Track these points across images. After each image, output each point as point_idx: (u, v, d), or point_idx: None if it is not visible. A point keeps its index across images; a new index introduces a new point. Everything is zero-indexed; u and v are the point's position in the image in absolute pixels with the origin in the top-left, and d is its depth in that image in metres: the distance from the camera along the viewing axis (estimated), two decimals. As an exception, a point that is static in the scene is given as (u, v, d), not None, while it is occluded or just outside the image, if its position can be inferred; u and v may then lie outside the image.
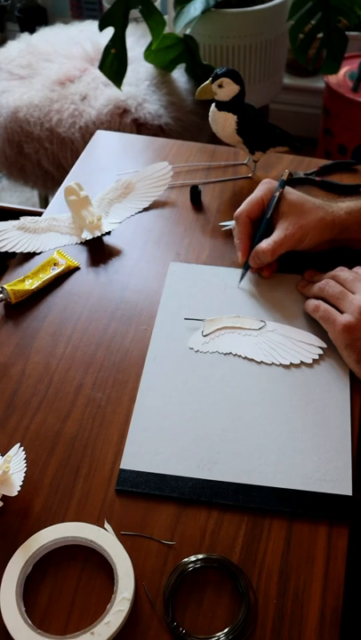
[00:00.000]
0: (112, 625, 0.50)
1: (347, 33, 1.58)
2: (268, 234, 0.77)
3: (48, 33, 1.87)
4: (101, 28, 1.49)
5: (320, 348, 0.70)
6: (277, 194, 0.77)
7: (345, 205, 0.77)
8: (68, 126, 1.55)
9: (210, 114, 0.90)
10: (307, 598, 0.53)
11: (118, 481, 0.60)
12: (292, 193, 0.78)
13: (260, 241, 0.77)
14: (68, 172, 0.98)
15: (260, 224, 0.78)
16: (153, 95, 1.59)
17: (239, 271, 0.80)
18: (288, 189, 0.78)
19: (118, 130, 1.51)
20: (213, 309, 0.75)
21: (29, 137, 1.59)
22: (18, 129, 1.58)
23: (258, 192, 0.79)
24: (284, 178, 0.78)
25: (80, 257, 0.84)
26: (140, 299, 0.78)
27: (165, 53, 1.63)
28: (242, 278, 0.78)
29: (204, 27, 1.69)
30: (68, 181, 0.91)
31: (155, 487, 0.59)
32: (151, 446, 0.62)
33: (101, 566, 0.55)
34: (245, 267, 0.78)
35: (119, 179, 0.93)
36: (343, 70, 1.93)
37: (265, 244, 0.75)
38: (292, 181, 0.92)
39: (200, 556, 0.55)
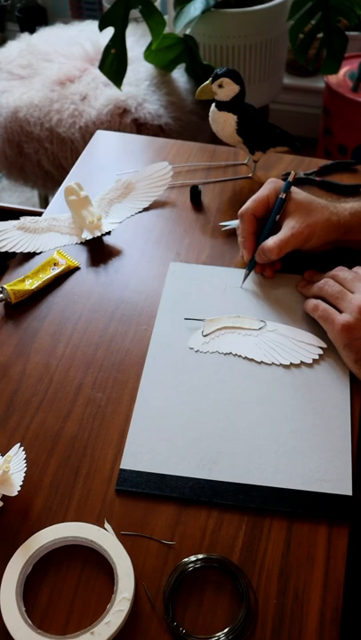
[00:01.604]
0: (112, 625, 0.50)
1: (347, 33, 1.58)
2: (273, 233, 0.77)
3: (48, 33, 1.87)
4: (101, 28, 1.49)
5: (320, 347, 0.70)
6: (284, 196, 0.77)
7: (349, 206, 0.77)
8: (68, 126, 1.55)
9: (210, 114, 0.90)
10: (307, 598, 0.53)
11: (118, 481, 0.60)
12: (298, 193, 0.78)
13: (265, 240, 0.77)
14: (68, 172, 0.98)
15: (265, 223, 0.78)
16: (153, 95, 1.59)
17: (239, 271, 0.80)
18: (294, 189, 0.78)
19: (118, 130, 1.52)
20: (213, 309, 0.75)
21: (29, 137, 1.59)
22: (18, 129, 1.58)
23: (264, 191, 0.79)
24: (290, 179, 0.78)
25: (80, 257, 0.84)
26: (140, 299, 0.78)
27: (165, 53, 1.63)
28: (245, 278, 0.78)
29: (204, 27, 1.69)
30: (68, 181, 0.91)
31: (155, 487, 0.59)
32: (151, 446, 0.62)
33: (101, 566, 0.55)
34: (249, 266, 0.78)
35: (119, 179, 0.93)
36: (343, 70, 1.93)
37: (271, 241, 0.75)
38: (293, 181, 0.92)
39: (200, 556, 0.55)
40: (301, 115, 2.33)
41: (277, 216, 0.77)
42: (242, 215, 0.79)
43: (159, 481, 0.60)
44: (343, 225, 0.76)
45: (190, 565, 0.54)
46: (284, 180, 0.78)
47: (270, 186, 0.79)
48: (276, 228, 0.77)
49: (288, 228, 0.75)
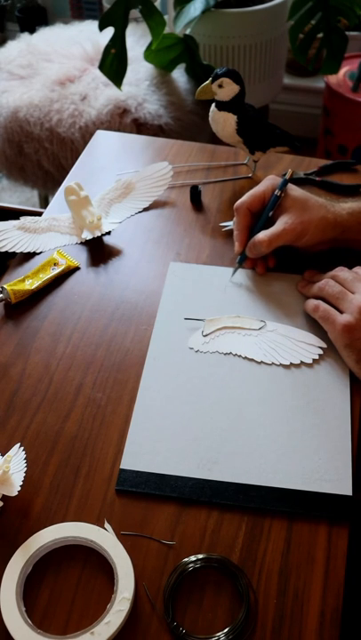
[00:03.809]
0: (112, 625, 0.50)
1: (347, 33, 1.58)
2: (266, 228, 0.77)
3: (48, 33, 1.87)
4: (101, 28, 1.49)
5: (320, 347, 0.70)
6: (279, 193, 0.77)
7: (347, 206, 0.77)
8: (68, 126, 1.55)
9: (210, 114, 0.90)
10: (307, 598, 0.53)
11: (118, 481, 0.60)
12: (295, 190, 0.78)
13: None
14: (68, 172, 0.98)
15: (260, 219, 0.79)
16: (153, 95, 1.59)
17: (239, 271, 0.80)
18: (291, 186, 0.78)
19: (118, 130, 1.51)
20: (213, 309, 0.75)
21: (29, 137, 1.59)
22: (18, 129, 1.58)
23: (261, 186, 0.79)
24: (287, 177, 0.78)
25: (80, 257, 0.84)
26: (140, 299, 0.78)
27: (165, 53, 1.63)
28: (235, 271, 0.79)
29: (204, 27, 1.69)
30: (68, 181, 0.91)
31: (155, 487, 0.59)
32: (151, 446, 0.62)
33: (101, 566, 0.55)
34: (239, 259, 0.79)
35: (119, 179, 0.93)
36: (343, 70, 1.93)
37: (262, 234, 0.76)
38: (292, 181, 0.92)
39: (200, 556, 0.55)
40: (301, 115, 2.33)
41: (271, 212, 0.77)
42: (237, 209, 0.79)
43: (159, 481, 0.60)
44: (340, 223, 0.76)
45: (190, 565, 0.54)
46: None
47: (268, 182, 0.79)
48: (269, 225, 0.77)
49: (281, 222, 0.76)
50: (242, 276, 0.79)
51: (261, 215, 0.79)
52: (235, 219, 0.80)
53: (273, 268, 0.80)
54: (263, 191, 0.78)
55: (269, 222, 0.78)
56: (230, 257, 0.83)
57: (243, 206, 0.79)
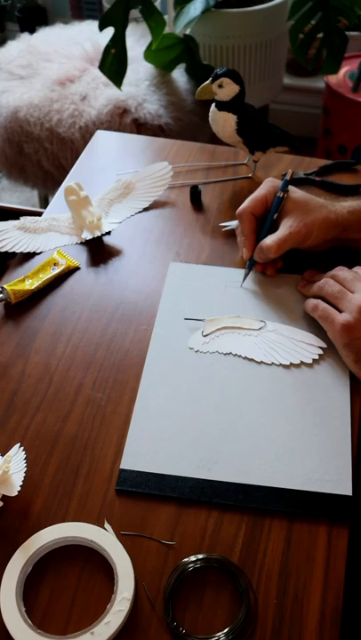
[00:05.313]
0: (112, 625, 0.50)
1: (347, 33, 1.58)
2: (271, 232, 0.77)
3: (48, 33, 1.87)
4: (101, 28, 1.49)
5: (320, 348, 0.70)
6: (282, 194, 0.77)
7: (347, 205, 0.77)
8: (68, 126, 1.55)
9: (210, 114, 0.90)
10: (307, 598, 0.53)
11: (118, 481, 0.60)
12: (295, 191, 0.78)
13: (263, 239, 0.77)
14: (68, 172, 0.98)
15: (263, 222, 0.78)
16: (153, 95, 1.59)
17: (239, 271, 0.80)
18: (292, 188, 0.78)
19: (118, 130, 1.52)
20: (213, 309, 0.75)
21: (29, 137, 1.59)
22: (18, 129, 1.58)
23: (261, 190, 0.79)
24: (288, 177, 0.78)
25: (80, 257, 0.84)
26: (140, 299, 0.78)
27: (165, 53, 1.63)
28: (245, 277, 0.78)
29: (204, 27, 1.69)
30: (68, 181, 0.91)
31: (155, 487, 0.59)
32: (151, 446, 0.62)
33: (101, 566, 0.55)
34: (249, 265, 0.79)
35: (119, 179, 0.93)
36: (343, 70, 1.93)
37: (270, 239, 0.76)
38: (292, 181, 0.92)
39: (200, 556, 0.55)
40: (301, 115, 2.33)
41: (275, 214, 0.77)
42: (240, 215, 0.79)
43: (159, 481, 0.60)
44: (341, 223, 0.76)
45: (190, 565, 0.54)
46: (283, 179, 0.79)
47: (268, 185, 0.79)
48: (273, 227, 0.77)
49: (286, 226, 0.76)
50: (242, 276, 0.79)
51: (265, 219, 0.78)
52: (238, 224, 0.80)
53: (273, 268, 0.80)
54: (264, 194, 0.78)
55: (273, 224, 0.78)
56: (230, 257, 0.83)
57: (246, 211, 0.78)
